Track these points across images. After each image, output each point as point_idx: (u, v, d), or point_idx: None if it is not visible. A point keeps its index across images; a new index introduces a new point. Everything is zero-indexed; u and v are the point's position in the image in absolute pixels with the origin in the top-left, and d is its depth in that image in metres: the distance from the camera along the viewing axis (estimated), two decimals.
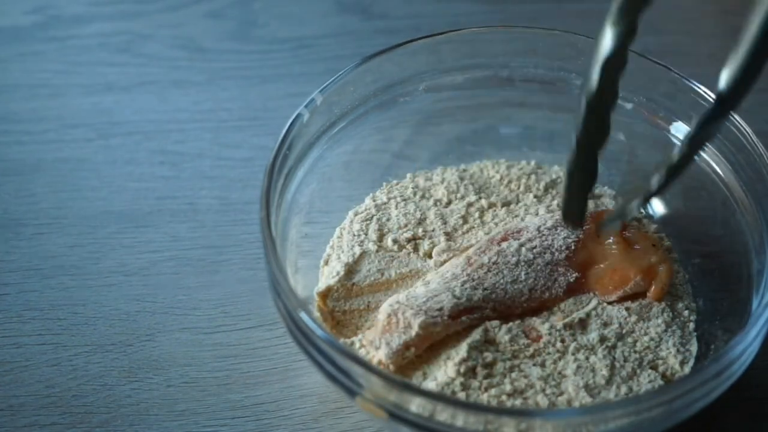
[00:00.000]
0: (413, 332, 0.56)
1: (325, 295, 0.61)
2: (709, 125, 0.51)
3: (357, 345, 0.58)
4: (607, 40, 0.51)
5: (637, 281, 0.60)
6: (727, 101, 0.50)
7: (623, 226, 0.62)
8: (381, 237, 0.64)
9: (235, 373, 0.62)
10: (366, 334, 0.58)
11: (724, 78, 0.50)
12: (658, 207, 0.67)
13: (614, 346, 0.58)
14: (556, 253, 0.60)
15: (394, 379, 0.53)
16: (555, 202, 0.65)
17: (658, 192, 0.53)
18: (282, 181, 0.60)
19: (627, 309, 0.60)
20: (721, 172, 0.63)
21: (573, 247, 0.61)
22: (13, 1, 0.85)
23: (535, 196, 0.66)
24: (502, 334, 0.57)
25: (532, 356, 0.57)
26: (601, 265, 0.61)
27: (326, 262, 0.64)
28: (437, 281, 0.59)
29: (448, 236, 0.63)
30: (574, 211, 0.57)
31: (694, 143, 0.52)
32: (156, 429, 0.59)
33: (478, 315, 0.58)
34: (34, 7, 0.85)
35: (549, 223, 0.62)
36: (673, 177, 0.53)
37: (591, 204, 0.66)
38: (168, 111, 0.77)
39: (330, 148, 0.65)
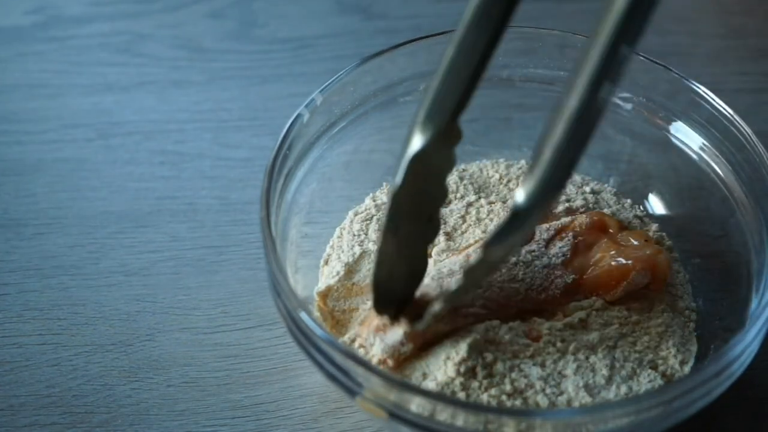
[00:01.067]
0: (401, 331, 0.56)
1: (325, 295, 0.61)
2: (500, 242, 0.50)
3: (348, 339, 0.58)
4: (415, 140, 0.51)
5: (637, 273, 0.60)
6: (522, 216, 0.48)
7: (621, 228, 0.62)
8: None
9: (235, 373, 0.62)
10: (359, 330, 0.58)
11: (522, 193, 0.48)
12: (658, 207, 0.67)
13: (614, 346, 0.58)
14: (553, 258, 0.60)
15: (394, 379, 0.53)
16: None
17: (457, 294, 0.53)
18: (282, 181, 0.60)
19: (627, 309, 0.60)
20: (720, 172, 0.63)
21: (568, 255, 0.61)
22: (13, 1, 0.85)
23: None
24: (502, 334, 0.57)
25: (532, 356, 0.57)
26: (599, 265, 0.60)
27: (326, 262, 0.64)
28: (433, 276, 0.59)
29: (448, 236, 0.63)
30: (387, 307, 0.56)
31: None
32: (156, 429, 0.59)
33: (472, 311, 0.58)
34: (34, 7, 0.85)
35: (546, 235, 0.61)
36: (471, 276, 0.52)
37: (591, 198, 0.66)
38: (168, 111, 0.77)
39: (330, 148, 0.65)
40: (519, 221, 0.49)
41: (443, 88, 0.52)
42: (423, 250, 0.56)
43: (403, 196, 0.52)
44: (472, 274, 0.52)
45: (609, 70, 0.47)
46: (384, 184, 0.68)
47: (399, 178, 0.52)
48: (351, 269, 0.62)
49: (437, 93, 0.52)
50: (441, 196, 0.54)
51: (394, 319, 0.56)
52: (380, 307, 0.56)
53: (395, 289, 0.56)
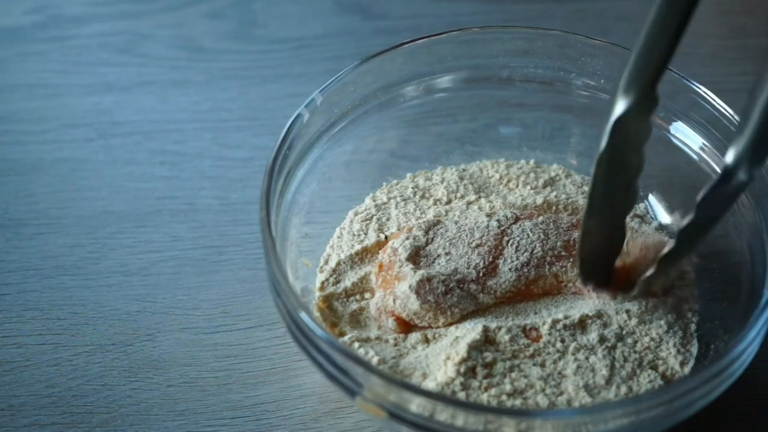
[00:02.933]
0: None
1: (326, 295, 0.61)
2: (711, 200, 0.52)
3: (348, 340, 0.58)
4: (619, 105, 0.53)
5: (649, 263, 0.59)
6: (731, 174, 0.51)
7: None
8: None
9: (235, 373, 0.62)
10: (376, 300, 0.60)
11: (732, 153, 0.50)
12: (658, 207, 0.67)
13: (614, 347, 0.58)
14: (554, 239, 0.61)
15: (394, 379, 0.53)
16: (553, 194, 0.65)
17: (671, 258, 0.55)
18: (282, 181, 0.60)
19: (627, 312, 0.60)
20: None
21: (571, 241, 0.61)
22: (13, 1, 0.85)
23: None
24: (502, 334, 0.57)
25: (532, 356, 0.57)
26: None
27: (326, 262, 0.63)
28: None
29: None
30: (591, 277, 0.59)
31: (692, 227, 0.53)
32: (156, 429, 0.59)
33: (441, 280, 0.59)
34: (34, 7, 0.85)
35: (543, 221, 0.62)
36: (684, 239, 0.54)
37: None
38: (168, 111, 0.77)
39: (330, 148, 0.65)
40: (728, 181, 0.51)
41: (644, 54, 0.53)
42: (622, 220, 0.57)
43: (606, 162, 0.54)
44: (685, 236, 0.54)
45: None
46: (384, 184, 0.68)
47: (604, 142, 0.53)
48: (350, 269, 0.62)
49: (638, 59, 0.53)
50: (639, 165, 0.55)
51: (597, 288, 0.59)
52: (584, 277, 0.59)
53: (596, 259, 0.58)
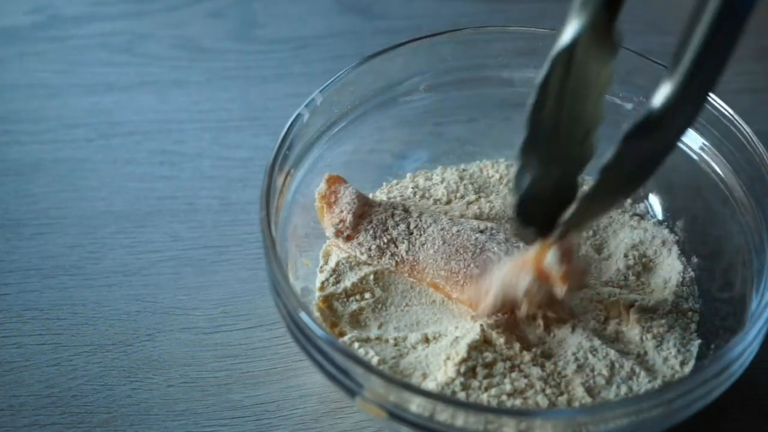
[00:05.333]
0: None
1: (326, 295, 0.61)
2: (630, 143, 0.47)
3: (348, 340, 0.58)
4: (566, 32, 0.49)
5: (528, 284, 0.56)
6: (655, 120, 0.46)
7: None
8: None
9: (235, 373, 0.62)
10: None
11: (659, 96, 0.46)
12: (657, 207, 0.67)
13: (614, 347, 0.58)
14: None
15: (394, 379, 0.53)
16: None
17: (591, 194, 0.51)
18: (282, 181, 0.60)
19: (626, 312, 0.60)
20: (721, 172, 0.63)
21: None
22: (13, 1, 0.85)
23: None
24: (496, 337, 0.57)
25: (533, 356, 0.57)
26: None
27: (326, 262, 0.63)
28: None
29: None
30: (529, 222, 0.54)
31: (608, 166, 0.49)
32: (156, 429, 0.59)
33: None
34: (34, 7, 0.85)
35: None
36: (607, 175, 0.49)
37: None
38: (168, 111, 0.77)
39: (330, 148, 0.65)
40: (654, 126, 0.47)
41: None
42: (573, 176, 0.53)
43: (551, 97, 0.50)
44: (606, 174, 0.49)
45: None
46: (384, 184, 0.68)
47: (545, 69, 0.49)
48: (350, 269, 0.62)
49: None
50: (596, 117, 0.51)
51: (532, 241, 0.54)
52: (521, 219, 0.54)
53: (537, 209, 0.53)
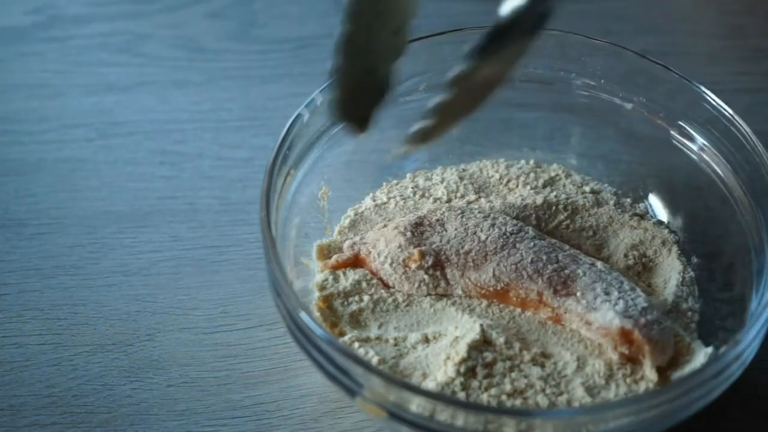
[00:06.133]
0: None
1: (326, 295, 0.61)
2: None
3: (348, 340, 0.58)
4: None
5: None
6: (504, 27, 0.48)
7: None
8: None
9: (235, 373, 0.62)
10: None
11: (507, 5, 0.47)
12: (658, 207, 0.67)
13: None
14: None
15: (394, 379, 0.53)
16: (553, 194, 0.65)
17: (442, 103, 0.52)
18: (282, 181, 0.60)
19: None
20: (720, 172, 0.63)
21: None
22: (13, 1, 0.85)
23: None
24: (497, 336, 0.57)
25: (532, 356, 0.57)
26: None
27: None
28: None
29: None
30: (348, 114, 0.53)
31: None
32: (156, 429, 0.59)
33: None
34: (34, 7, 0.85)
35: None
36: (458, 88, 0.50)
37: (591, 198, 0.66)
38: (168, 111, 0.77)
39: (330, 148, 0.65)
40: (503, 34, 0.49)
41: None
42: (387, 65, 0.53)
43: None
44: (459, 85, 0.50)
45: None
46: (384, 184, 0.68)
47: None
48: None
49: None
50: (411, 9, 0.52)
51: (356, 135, 0.54)
52: (341, 112, 0.53)
53: (356, 103, 0.53)
